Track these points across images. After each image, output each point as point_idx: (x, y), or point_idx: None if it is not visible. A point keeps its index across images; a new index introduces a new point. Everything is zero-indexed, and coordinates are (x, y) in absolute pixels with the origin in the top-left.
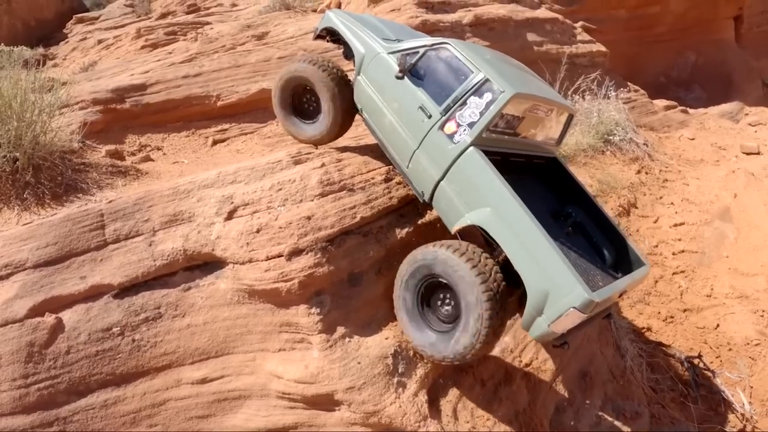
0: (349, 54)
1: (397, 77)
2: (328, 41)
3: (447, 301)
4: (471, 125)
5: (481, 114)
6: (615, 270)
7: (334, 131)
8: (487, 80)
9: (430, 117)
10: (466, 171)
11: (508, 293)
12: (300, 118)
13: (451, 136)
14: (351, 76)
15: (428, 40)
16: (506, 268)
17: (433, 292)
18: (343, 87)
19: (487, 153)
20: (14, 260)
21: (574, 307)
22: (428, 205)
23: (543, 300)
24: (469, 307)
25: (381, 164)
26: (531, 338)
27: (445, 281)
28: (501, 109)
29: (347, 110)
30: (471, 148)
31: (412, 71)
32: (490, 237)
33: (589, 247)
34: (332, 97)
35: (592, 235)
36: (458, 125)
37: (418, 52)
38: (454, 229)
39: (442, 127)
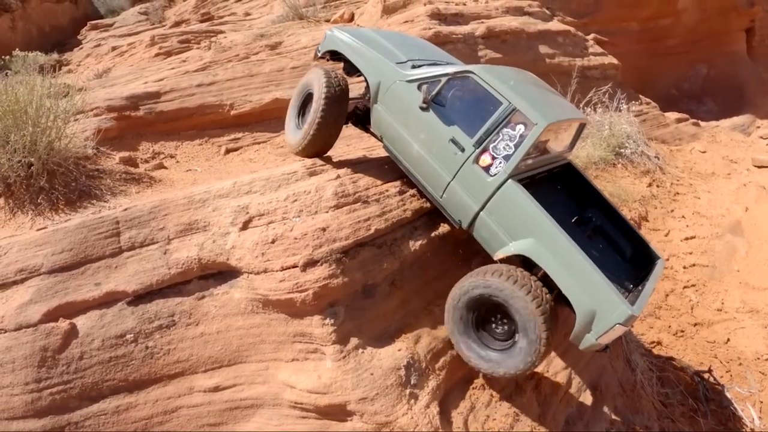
0: (351, 70)
1: (422, 108)
2: (327, 60)
3: (501, 322)
4: (506, 158)
5: (516, 146)
6: (634, 265)
7: (312, 145)
8: (517, 110)
9: (463, 150)
10: (506, 203)
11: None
12: (295, 125)
13: (486, 169)
14: (355, 86)
15: (449, 67)
16: (544, 282)
17: (486, 314)
18: (336, 100)
19: (519, 178)
20: (29, 265)
21: (619, 323)
22: (442, 217)
23: (591, 318)
24: (528, 327)
25: (395, 176)
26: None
27: (501, 305)
28: (536, 141)
29: (332, 125)
30: (509, 181)
31: (435, 100)
32: (535, 264)
33: (610, 248)
34: (319, 107)
35: (612, 235)
36: (493, 158)
37: (439, 81)
38: (497, 256)
39: (476, 161)
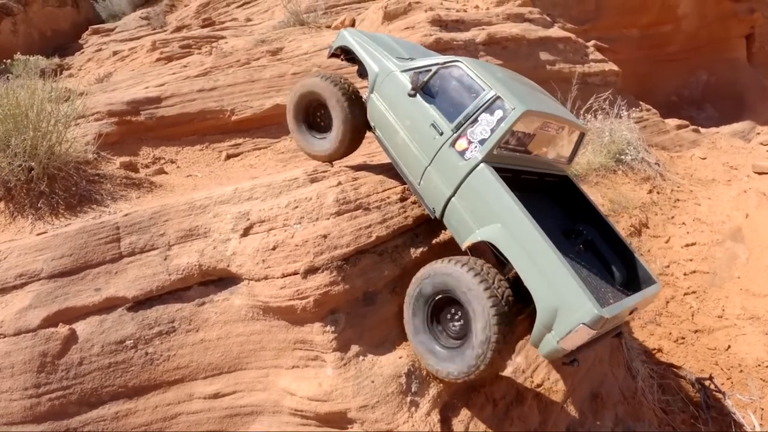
0: (363, 72)
1: (410, 95)
2: (342, 59)
3: (456, 317)
4: (482, 142)
5: (492, 131)
6: (626, 288)
7: (343, 148)
8: (498, 98)
9: (441, 134)
10: (477, 187)
11: (519, 310)
12: (312, 133)
13: (462, 153)
14: (363, 93)
15: (440, 58)
16: (517, 284)
17: (442, 307)
18: (355, 104)
19: (498, 170)
20: (29, 270)
21: (583, 323)
22: (443, 225)
23: (552, 316)
24: (479, 328)
25: (396, 183)
26: (542, 358)
27: (456, 298)
28: (512, 126)
29: (357, 128)
30: (482, 164)
31: (425, 89)
32: (500, 253)
33: (600, 265)
34: (343, 113)
35: (603, 254)
36: (469, 142)
37: (430, 70)
38: (464, 245)
39: (453, 144)
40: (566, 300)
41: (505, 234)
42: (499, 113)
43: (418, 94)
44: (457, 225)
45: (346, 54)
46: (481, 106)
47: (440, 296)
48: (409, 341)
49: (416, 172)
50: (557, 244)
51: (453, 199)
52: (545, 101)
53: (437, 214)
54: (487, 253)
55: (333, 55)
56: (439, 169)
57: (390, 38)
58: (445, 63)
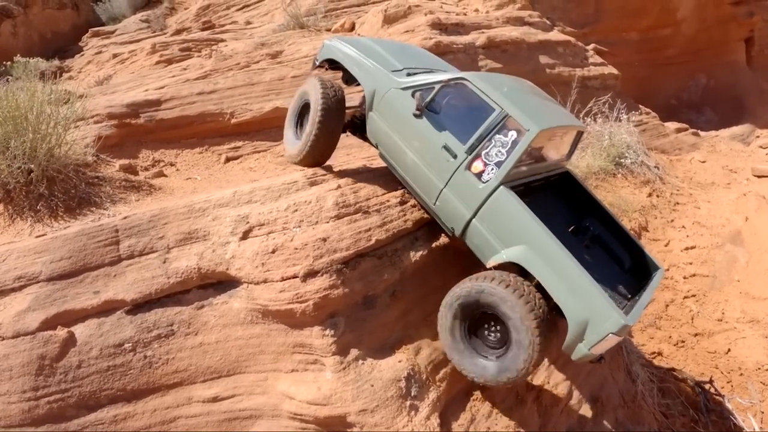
0: (349, 79)
1: (415, 115)
2: (326, 69)
3: (493, 328)
4: (498, 164)
5: (508, 153)
6: (633, 275)
7: (310, 155)
8: (509, 117)
9: (455, 157)
10: (498, 210)
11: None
12: (294, 134)
13: (479, 176)
14: (350, 94)
15: (443, 75)
16: (541, 292)
17: (479, 320)
18: (332, 110)
19: (512, 185)
20: (27, 273)
21: (611, 333)
22: (442, 229)
23: (583, 328)
24: (520, 333)
25: (396, 187)
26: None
27: (493, 312)
28: (527, 147)
29: (329, 135)
30: (501, 187)
31: (429, 107)
32: (527, 272)
33: (608, 257)
34: (316, 118)
35: (610, 245)
36: (485, 164)
37: (433, 88)
38: (490, 264)
39: (468, 167)
40: (594, 313)
41: (531, 255)
42: (513, 135)
43: (424, 115)
44: (481, 245)
45: (330, 64)
46: (493, 127)
47: (477, 311)
48: (449, 357)
49: (430, 193)
50: (568, 243)
51: (474, 220)
52: (551, 109)
53: (456, 233)
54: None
55: (317, 67)
56: (456, 192)
57: (375, 43)
58: (449, 81)
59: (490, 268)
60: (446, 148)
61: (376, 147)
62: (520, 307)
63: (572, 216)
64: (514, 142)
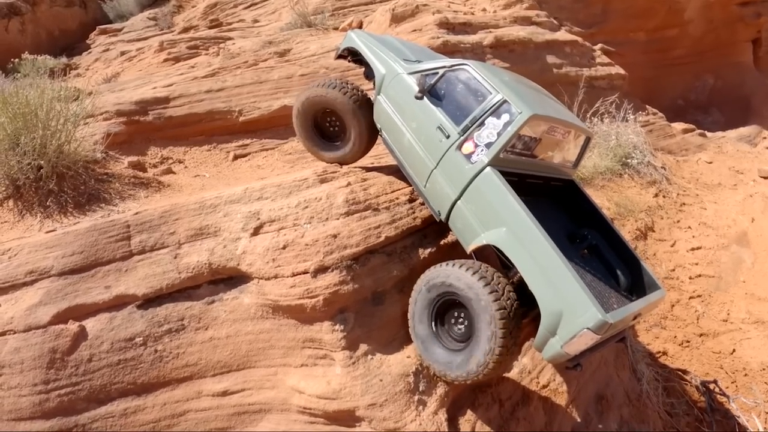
0: (370, 74)
1: (417, 97)
2: (349, 61)
3: (461, 319)
4: (488, 145)
5: (499, 134)
6: (630, 293)
7: (359, 152)
8: (505, 101)
9: (448, 137)
10: (483, 191)
11: (523, 314)
12: (323, 139)
13: (468, 156)
14: (370, 94)
15: (447, 61)
16: (522, 289)
17: (446, 310)
18: (366, 108)
19: (504, 174)
20: (39, 267)
21: (587, 328)
22: (450, 228)
23: (557, 320)
24: (483, 326)
25: (405, 184)
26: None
27: (459, 300)
28: (518, 129)
29: (370, 130)
30: (488, 168)
31: (432, 92)
32: (505, 257)
33: (604, 270)
34: (356, 119)
35: (608, 259)
36: (476, 145)
37: (437, 72)
38: (469, 248)
39: (459, 147)
40: (570, 304)
41: (510, 238)
42: (505, 117)
43: (425, 97)
44: (463, 228)
45: (353, 55)
46: (487, 110)
47: (443, 299)
48: (414, 345)
49: (422, 175)
50: (562, 248)
51: (458, 202)
52: (552, 105)
53: (442, 217)
54: (492, 257)
55: (340, 57)
56: (445, 172)
57: (397, 40)
58: (452, 66)
59: (470, 255)
60: (440, 128)
61: (380, 132)
62: (485, 295)
63: (574, 227)
64: (506, 124)
